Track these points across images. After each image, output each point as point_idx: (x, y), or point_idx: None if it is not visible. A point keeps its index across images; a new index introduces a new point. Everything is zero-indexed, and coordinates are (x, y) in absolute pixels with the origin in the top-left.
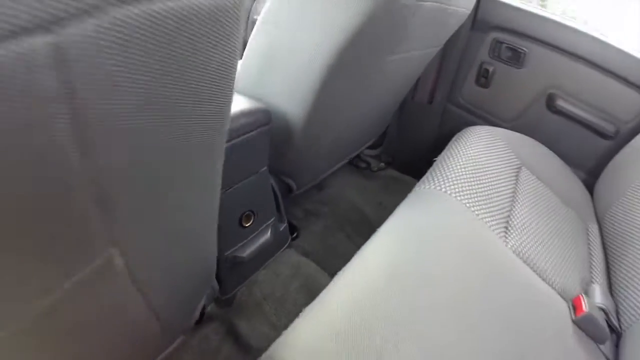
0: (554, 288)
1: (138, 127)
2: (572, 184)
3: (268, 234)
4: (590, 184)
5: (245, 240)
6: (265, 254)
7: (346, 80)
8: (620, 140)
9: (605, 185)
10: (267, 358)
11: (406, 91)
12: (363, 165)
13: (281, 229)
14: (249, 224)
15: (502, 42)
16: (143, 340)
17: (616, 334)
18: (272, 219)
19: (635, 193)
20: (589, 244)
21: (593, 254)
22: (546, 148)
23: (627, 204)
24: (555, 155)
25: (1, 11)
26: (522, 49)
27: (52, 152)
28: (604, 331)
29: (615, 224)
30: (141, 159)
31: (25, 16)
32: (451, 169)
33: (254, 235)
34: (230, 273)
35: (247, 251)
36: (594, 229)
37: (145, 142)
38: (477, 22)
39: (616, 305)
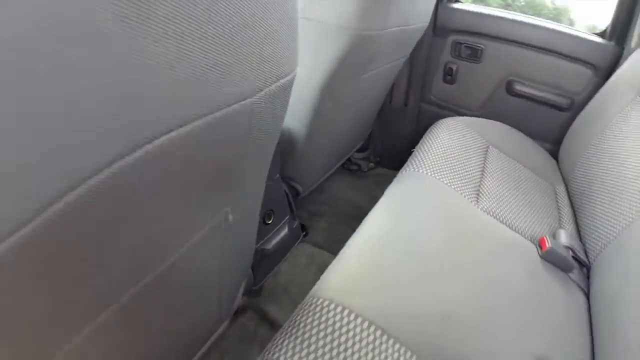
0: (522, 235)
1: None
2: (538, 154)
3: (286, 229)
4: (555, 152)
5: (268, 235)
6: (284, 248)
7: (334, 97)
8: (575, 110)
9: (567, 151)
10: (311, 297)
11: (383, 98)
12: (354, 167)
13: (294, 226)
14: (270, 221)
15: (461, 43)
16: (200, 319)
17: (585, 266)
18: (287, 217)
19: (593, 152)
20: (557, 201)
21: (561, 208)
22: (511, 128)
23: (586, 163)
24: (520, 133)
25: (238, 88)
26: (479, 46)
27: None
28: (569, 262)
29: (578, 181)
30: (264, 151)
31: (249, 90)
32: (427, 156)
33: (274, 230)
34: (260, 265)
35: (271, 244)
36: (561, 189)
37: (268, 142)
38: (437, 28)
39: (584, 245)
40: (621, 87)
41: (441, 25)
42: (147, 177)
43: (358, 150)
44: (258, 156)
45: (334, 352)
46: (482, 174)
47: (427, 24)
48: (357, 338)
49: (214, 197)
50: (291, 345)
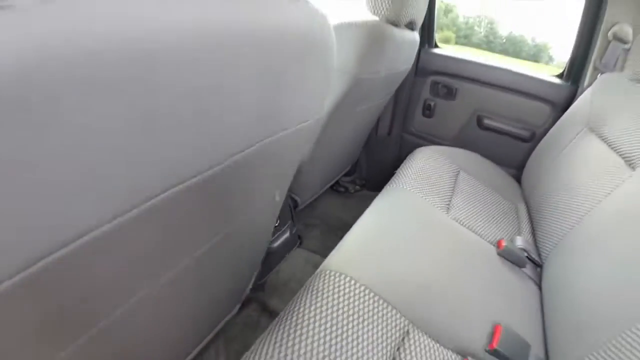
0: (483, 238)
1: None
2: (503, 178)
3: (288, 233)
4: (518, 177)
5: (274, 236)
6: (285, 249)
7: (332, 126)
8: (535, 141)
9: (528, 175)
10: (322, 269)
11: (370, 129)
12: (342, 189)
13: (294, 231)
14: (276, 225)
15: (438, 83)
16: (216, 302)
17: (538, 265)
18: (288, 223)
19: (548, 176)
20: (517, 217)
21: (521, 222)
22: (480, 156)
23: (543, 184)
24: (488, 160)
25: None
26: (454, 86)
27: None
28: (522, 259)
29: (536, 200)
30: (295, 160)
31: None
32: (407, 176)
33: (278, 233)
34: (265, 261)
35: (276, 244)
36: (522, 207)
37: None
38: (418, 70)
39: (538, 250)
40: (573, 121)
41: (422, 67)
42: (243, 174)
43: (346, 175)
44: (293, 163)
45: (341, 306)
46: (453, 192)
47: (410, 67)
48: (357, 298)
49: (273, 184)
50: (310, 295)
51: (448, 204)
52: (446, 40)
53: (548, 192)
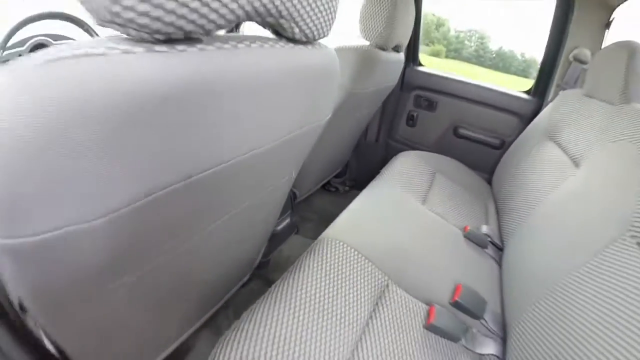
0: (453, 224)
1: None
2: (475, 180)
3: (288, 219)
4: (489, 180)
5: (278, 221)
6: (286, 233)
7: (327, 130)
8: (505, 148)
9: (497, 178)
10: (322, 237)
11: (360, 134)
12: (333, 189)
13: (293, 219)
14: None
15: (421, 97)
16: (236, 262)
17: (500, 249)
18: (289, 211)
19: (513, 178)
20: (486, 213)
21: (489, 216)
22: (456, 160)
23: (509, 185)
24: (463, 164)
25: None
26: (434, 100)
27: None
28: (484, 241)
29: (502, 198)
30: (307, 151)
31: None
32: (390, 174)
33: (281, 219)
34: (270, 241)
35: (279, 227)
36: (491, 205)
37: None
38: (404, 85)
39: (502, 238)
40: (535, 130)
41: (407, 83)
42: (270, 161)
43: (337, 176)
44: (308, 149)
45: (336, 264)
46: (429, 189)
47: (395, 83)
48: (349, 258)
49: (294, 164)
50: (312, 257)
51: (424, 198)
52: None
53: (511, 190)
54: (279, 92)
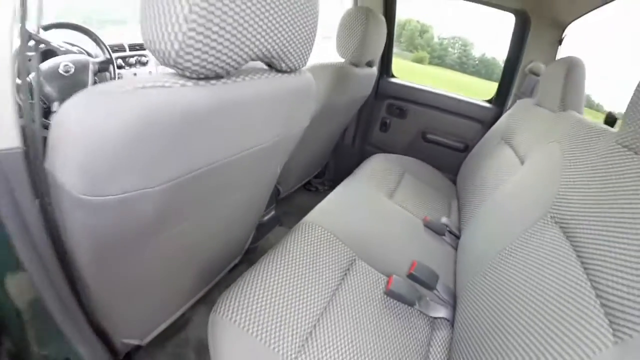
0: (416, 216)
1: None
2: (441, 180)
3: (273, 212)
4: (455, 180)
5: (264, 212)
6: (271, 224)
7: (308, 134)
8: (468, 151)
9: (461, 178)
10: (302, 222)
11: (337, 138)
12: (313, 189)
13: (277, 213)
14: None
15: (393, 105)
16: (234, 239)
17: (457, 237)
18: (274, 205)
19: (473, 177)
20: (449, 208)
21: (451, 210)
22: (424, 162)
23: (470, 184)
24: (430, 166)
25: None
26: (405, 108)
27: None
28: (442, 229)
29: (463, 194)
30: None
31: (295, 129)
32: (362, 174)
33: (267, 211)
34: (258, 229)
35: (265, 218)
36: (454, 202)
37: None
38: (378, 95)
39: (460, 228)
40: (494, 135)
41: (381, 93)
42: (261, 157)
43: (316, 177)
44: (290, 150)
45: (313, 244)
46: (397, 186)
47: (368, 94)
48: (323, 239)
49: (279, 161)
50: (293, 237)
51: (391, 193)
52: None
53: (471, 188)
54: (269, 108)
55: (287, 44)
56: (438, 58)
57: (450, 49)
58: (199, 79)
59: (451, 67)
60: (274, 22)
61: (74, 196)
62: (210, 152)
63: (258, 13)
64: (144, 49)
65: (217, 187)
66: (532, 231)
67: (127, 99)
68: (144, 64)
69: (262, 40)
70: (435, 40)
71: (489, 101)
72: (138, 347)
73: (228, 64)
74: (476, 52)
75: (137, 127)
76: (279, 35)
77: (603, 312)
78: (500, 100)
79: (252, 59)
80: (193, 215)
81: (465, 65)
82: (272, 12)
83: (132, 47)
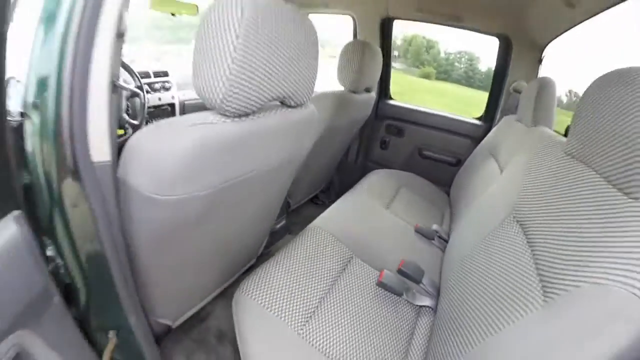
0: (408, 223)
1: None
2: (435, 192)
3: (284, 221)
4: (448, 192)
5: (276, 221)
6: (282, 231)
7: (313, 152)
8: (460, 165)
9: (453, 189)
10: (309, 227)
11: (341, 156)
12: (320, 202)
13: (287, 223)
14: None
15: (392, 125)
16: (252, 240)
17: (446, 241)
18: (284, 215)
19: (465, 188)
20: (442, 216)
21: (444, 219)
22: (419, 177)
23: (462, 195)
24: (425, 180)
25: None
26: (402, 127)
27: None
28: (431, 233)
29: (456, 205)
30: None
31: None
32: (362, 187)
33: (278, 220)
34: (270, 235)
35: (277, 226)
36: (447, 211)
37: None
38: (377, 116)
39: (449, 233)
40: (482, 149)
41: (380, 114)
42: (290, 165)
43: (322, 191)
44: (301, 163)
45: (316, 244)
46: (393, 198)
47: (367, 115)
48: (326, 240)
49: (293, 171)
50: (301, 238)
51: (388, 204)
52: (427, 76)
53: (461, 197)
54: (281, 136)
55: (295, 86)
56: (444, 73)
57: (456, 64)
58: (234, 117)
59: (458, 81)
60: (286, 71)
61: (145, 195)
62: (238, 169)
63: (275, 67)
64: (167, 75)
65: (240, 196)
66: (499, 229)
67: (187, 132)
68: (168, 89)
69: (278, 85)
70: (442, 55)
71: (479, 118)
72: (168, 331)
73: (253, 106)
74: (482, 66)
75: (193, 151)
76: (290, 80)
77: (539, 280)
78: (488, 117)
79: (270, 100)
80: (222, 217)
81: (472, 79)
82: (285, 64)
83: (157, 74)
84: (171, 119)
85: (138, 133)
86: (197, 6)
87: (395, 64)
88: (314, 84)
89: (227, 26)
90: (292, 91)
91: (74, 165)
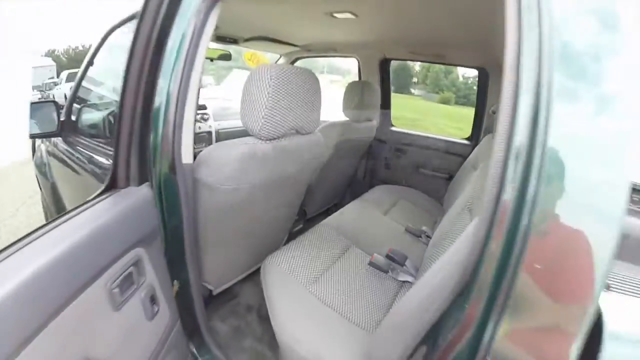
0: (402, 225)
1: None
2: (430, 203)
3: (301, 225)
4: (442, 203)
5: (294, 225)
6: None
7: (325, 172)
8: (451, 179)
9: (445, 200)
10: (319, 224)
11: (352, 174)
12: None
13: (303, 227)
14: (297, 218)
15: (394, 148)
16: (270, 244)
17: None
18: (302, 220)
19: (453, 200)
20: (434, 223)
21: (436, 225)
22: (417, 191)
23: (451, 204)
24: (423, 194)
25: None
26: (403, 149)
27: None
28: (419, 232)
29: (449, 217)
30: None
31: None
32: (366, 199)
33: (296, 224)
34: (288, 239)
35: (295, 229)
36: (439, 219)
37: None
38: (382, 141)
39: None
40: (467, 164)
41: (384, 139)
42: (308, 171)
43: (335, 205)
44: (306, 180)
45: (322, 238)
46: (392, 207)
47: (371, 138)
48: (330, 234)
49: (309, 179)
50: (313, 231)
51: (387, 212)
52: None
53: (450, 204)
54: (295, 154)
55: (306, 120)
56: (464, 97)
57: (474, 88)
58: (266, 140)
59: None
60: (300, 110)
61: (213, 186)
62: (267, 174)
63: (292, 108)
64: (206, 108)
65: (267, 193)
66: (457, 221)
67: (238, 147)
68: (206, 120)
69: (294, 120)
70: (460, 79)
71: (468, 139)
72: (209, 297)
73: (278, 132)
74: None
75: (242, 157)
76: (302, 116)
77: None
78: (474, 137)
79: (289, 129)
80: (255, 208)
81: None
82: (299, 105)
83: (198, 107)
84: (227, 141)
85: (208, 147)
86: (230, 53)
87: (414, 91)
88: (319, 118)
89: (262, 83)
90: (304, 123)
91: (173, 164)
